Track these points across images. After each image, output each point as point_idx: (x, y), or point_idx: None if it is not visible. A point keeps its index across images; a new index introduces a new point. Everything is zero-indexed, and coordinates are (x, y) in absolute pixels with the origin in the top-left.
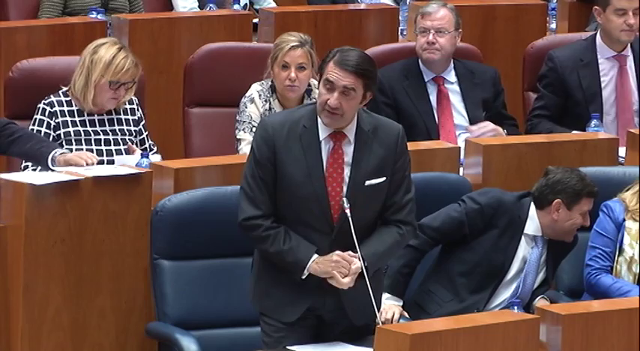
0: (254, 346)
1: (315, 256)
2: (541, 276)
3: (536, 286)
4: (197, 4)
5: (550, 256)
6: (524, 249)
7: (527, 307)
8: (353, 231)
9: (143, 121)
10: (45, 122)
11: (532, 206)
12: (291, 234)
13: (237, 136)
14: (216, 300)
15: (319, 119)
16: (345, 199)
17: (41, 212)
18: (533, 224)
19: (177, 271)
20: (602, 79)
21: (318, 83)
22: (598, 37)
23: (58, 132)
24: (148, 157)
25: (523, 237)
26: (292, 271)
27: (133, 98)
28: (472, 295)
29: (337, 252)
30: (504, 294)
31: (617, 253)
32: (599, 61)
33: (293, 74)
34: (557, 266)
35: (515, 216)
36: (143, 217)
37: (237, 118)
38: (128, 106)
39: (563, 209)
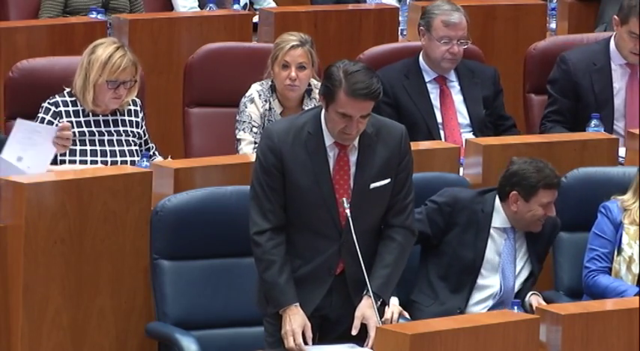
0: (254, 346)
1: (295, 307)
2: (526, 269)
3: (522, 279)
4: (197, 3)
5: (530, 247)
6: (496, 242)
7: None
8: (353, 231)
9: (144, 123)
10: (46, 121)
11: (497, 199)
12: (285, 269)
13: (237, 136)
14: (216, 300)
15: (324, 126)
16: (344, 199)
17: (41, 212)
18: (499, 217)
19: (177, 271)
20: (614, 85)
21: (322, 97)
22: (612, 42)
23: None
24: (148, 157)
25: (492, 231)
26: (269, 302)
27: (137, 100)
28: (452, 295)
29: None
30: (486, 290)
31: (615, 253)
32: (612, 67)
33: (293, 73)
34: (542, 258)
35: (476, 211)
36: (143, 217)
37: (237, 118)
38: (132, 107)
39: (521, 201)
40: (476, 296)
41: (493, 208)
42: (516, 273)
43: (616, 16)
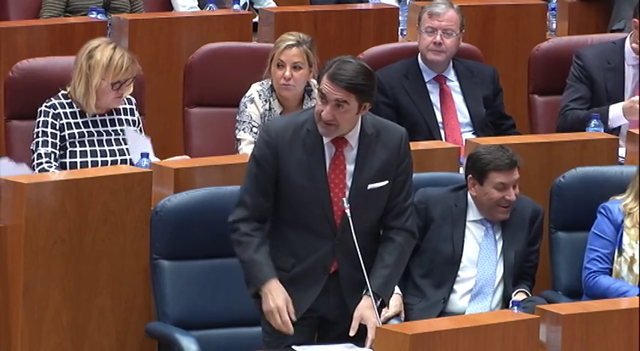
0: (254, 346)
1: (275, 282)
2: (507, 259)
3: (501, 270)
4: (197, 3)
5: (510, 237)
6: (475, 235)
7: (506, 295)
8: (353, 231)
9: (141, 123)
10: (50, 123)
11: (469, 193)
12: (262, 248)
13: (237, 136)
14: (216, 300)
15: None
16: (344, 199)
17: (41, 212)
18: (473, 210)
19: (177, 271)
20: (625, 85)
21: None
22: (627, 42)
23: (62, 134)
24: (148, 158)
25: (469, 224)
26: (249, 283)
27: (132, 99)
28: (436, 290)
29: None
30: (467, 283)
31: (616, 253)
32: (625, 67)
33: (288, 73)
34: (529, 248)
35: (450, 205)
36: (143, 217)
37: (237, 118)
38: (128, 106)
39: (477, 185)
40: (456, 288)
41: (467, 203)
42: (497, 266)
43: (636, 19)
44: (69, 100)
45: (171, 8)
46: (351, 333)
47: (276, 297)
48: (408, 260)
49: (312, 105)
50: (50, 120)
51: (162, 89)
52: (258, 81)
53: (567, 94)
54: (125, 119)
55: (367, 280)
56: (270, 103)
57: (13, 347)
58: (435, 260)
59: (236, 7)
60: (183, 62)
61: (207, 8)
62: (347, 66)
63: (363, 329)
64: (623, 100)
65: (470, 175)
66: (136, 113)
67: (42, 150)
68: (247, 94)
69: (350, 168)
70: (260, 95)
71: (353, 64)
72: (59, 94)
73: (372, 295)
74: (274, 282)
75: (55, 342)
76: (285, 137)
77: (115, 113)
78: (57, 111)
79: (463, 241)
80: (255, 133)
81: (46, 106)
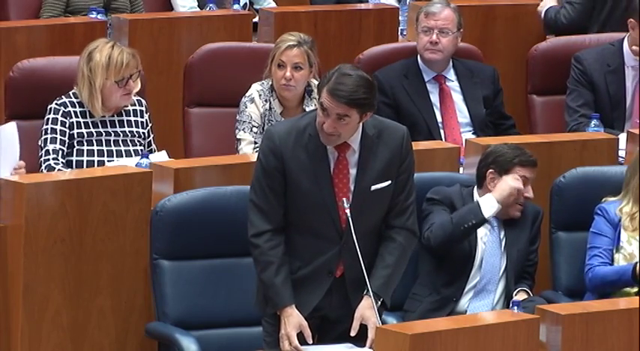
0: (254, 346)
1: (290, 308)
2: (508, 258)
3: (503, 268)
4: (196, 3)
5: (512, 237)
6: (482, 233)
7: (508, 292)
8: (353, 231)
9: (150, 125)
10: (59, 120)
11: (475, 192)
12: (282, 270)
13: (237, 136)
14: (216, 300)
15: None
16: (344, 199)
17: (41, 212)
18: None
19: (177, 271)
20: (627, 86)
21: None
22: (625, 43)
23: (71, 132)
24: (148, 158)
25: None
26: (267, 302)
27: (142, 100)
28: (448, 286)
29: (295, 344)
30: (473, 280)
31: (614, 251)
32: (626, 68)
33: (288, 73)
34: (529, 248)
35: (461, 204)
36: (143, 217)
37: (237, 118)
38: (137, 108)
39: (498, 179)
40: (467, 285)
41: (474, 201)
42: (501, 262)
43: (631, 19)
44: (79, 100)
45: (171, 8)
46: (352, 333)
47: (289, 324)
48: (424, 252)
49: (313, 107)
50: (60, 118)
51: (162, 89)
52: (258, 81)
53: (571, 98)
54: (134, 121)
55: (367, 280)
56: (270, 103)
57: (13, 347)
58: (447, 256)
59: (236, 7)
60: (183, 62)
61: (207, 8)
62: (346, 80)
63: (363, 329)
64: (625, 102)
65: (491, 170)
66: (146, 115)
67: (50, 146)
68: (247, 94)
69: (353, 171)
70: (260, 95)
71: (352, 77)
72: (70, 92)
73: (372, 295)
74: (289, 309)
75: (55, 342)
76: (288, 143)
77: (124, 114)
78: (67, 109)
79: (477, 240)
80: (256, 133)
81: (56, 104)
